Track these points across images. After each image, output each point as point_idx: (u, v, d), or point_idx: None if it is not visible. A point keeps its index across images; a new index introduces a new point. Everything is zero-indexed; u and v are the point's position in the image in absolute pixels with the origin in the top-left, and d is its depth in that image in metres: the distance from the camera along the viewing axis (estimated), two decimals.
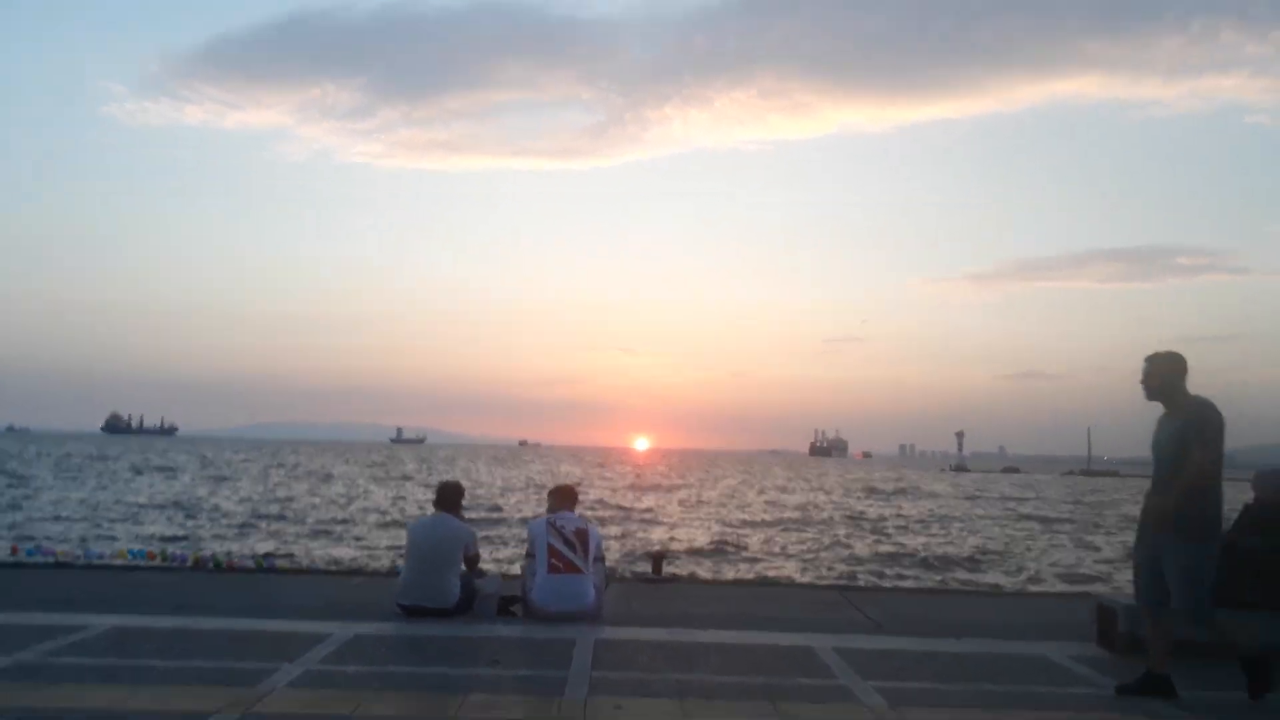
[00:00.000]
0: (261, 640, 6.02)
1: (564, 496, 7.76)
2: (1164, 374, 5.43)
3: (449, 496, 7.57)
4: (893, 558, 22.97)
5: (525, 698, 4.91)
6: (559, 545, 7.17)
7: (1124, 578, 18.15)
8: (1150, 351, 5.48)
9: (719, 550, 22.87)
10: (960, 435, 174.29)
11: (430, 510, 7.62)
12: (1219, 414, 5.29)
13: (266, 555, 16.47)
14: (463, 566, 7.28)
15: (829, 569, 20.51)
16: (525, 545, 7.53)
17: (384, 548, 21.03)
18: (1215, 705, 5.25)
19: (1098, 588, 17.82)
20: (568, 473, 71.12)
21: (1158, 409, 5.53)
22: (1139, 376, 5.52)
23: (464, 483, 8.20)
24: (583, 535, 7.27)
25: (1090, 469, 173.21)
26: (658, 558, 10.88)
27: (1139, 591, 5.60)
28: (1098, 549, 27.70)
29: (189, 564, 15.28)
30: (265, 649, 5.79)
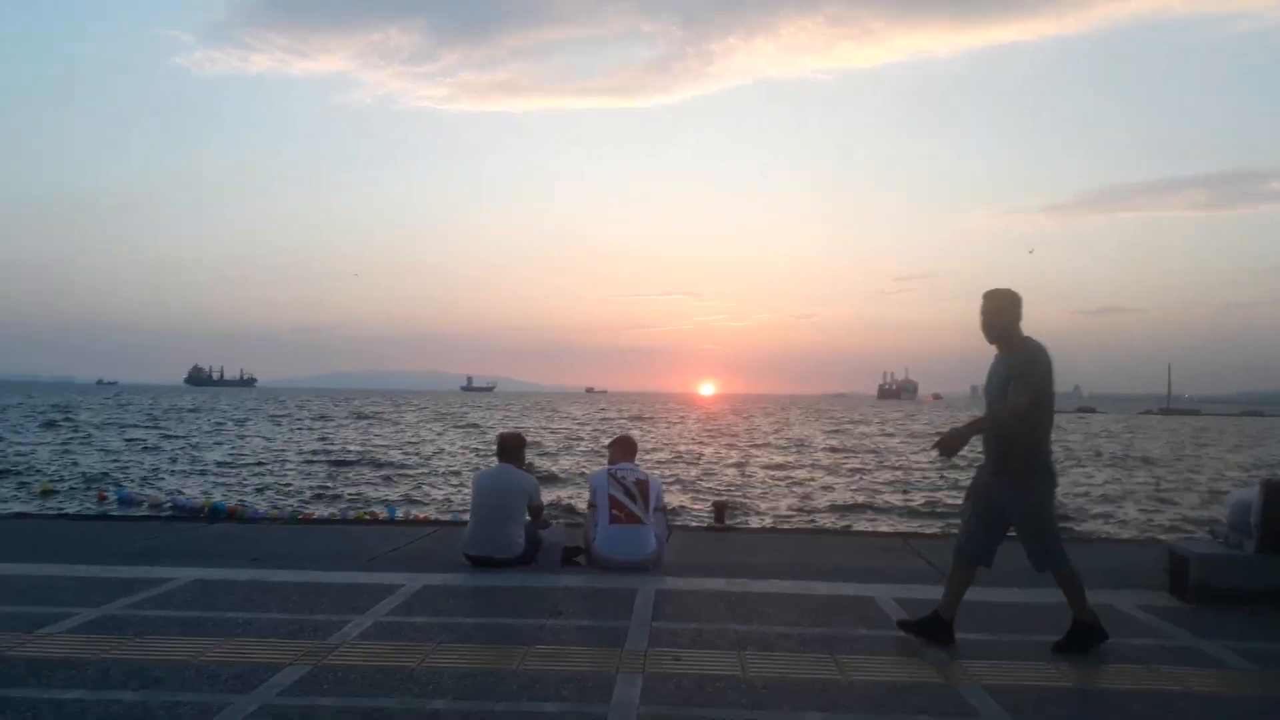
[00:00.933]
0: (333, 592, 6.22)
1: (624, 447, 7.84)
2: (1002, 313, 5.13)
3: (511, 448, 7.69)
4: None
5: (588, 648, 5.01)
6: (620, 496, 7.25)
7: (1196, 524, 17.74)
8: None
9: (781, 498, 22.90)
10: None
11: (494, 462, 7.75)
12: (1046, 356, 5.05)
13: (340, 507, 17.00)
14: (527, 517, 7.41)
15: (890, 512, 20.43)
16: (588, 496, 7.63)
17: (452, 498, 21.48)
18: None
19: (1172, 535, 17.47)
20: (633, 424, 71.72)
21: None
22: (981, 316, 5.20)
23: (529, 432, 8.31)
24: (643, 486, 7.34)
25: (1169, 407, 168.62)
26: (720, 507, 10.94)
27: (962, 538, 5.47)
28: (1172, 495, 27.09)
29: (267, 517, 15.88)
30: (337, 601, 5.99)
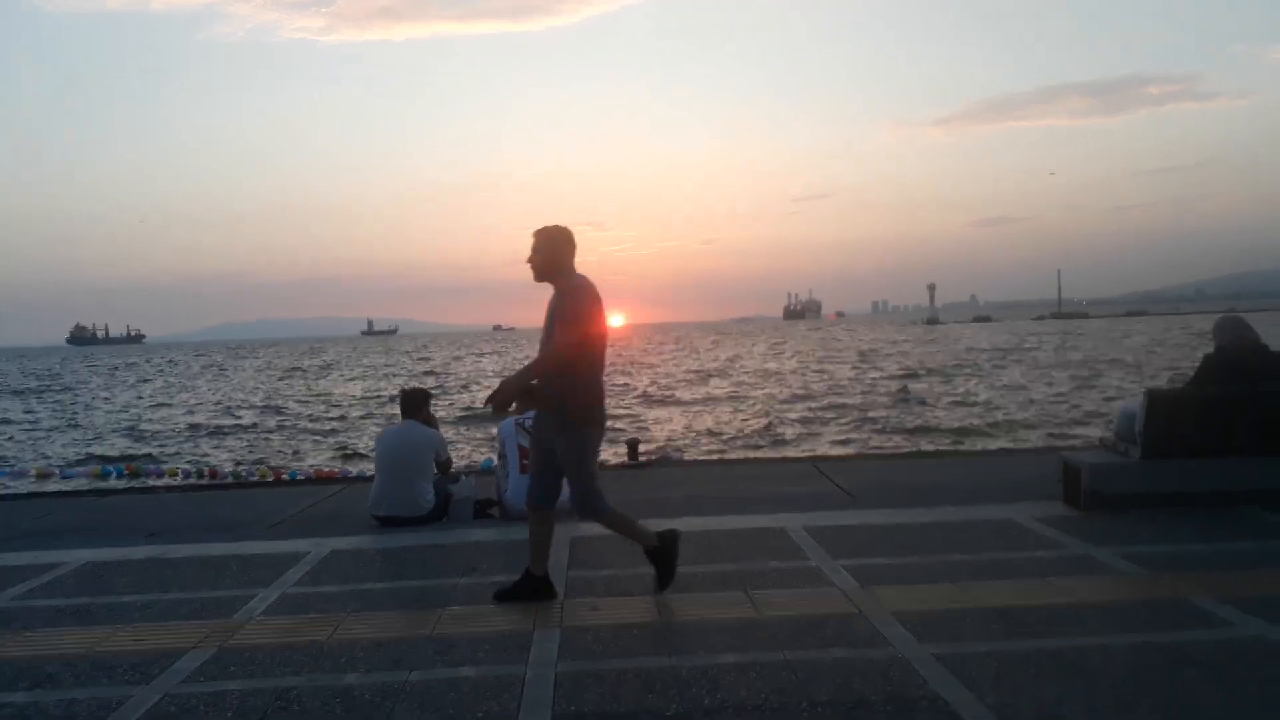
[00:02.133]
0: (236, 565, 6.02)
1: (530, 396, 7.72)
2: (547, 250, 4.93)
3: (414, 403, 7.52)
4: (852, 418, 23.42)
5: (502, 605, 4.96)
6: (529, 444, 7.16)
7: (1089, 431, 18.60)
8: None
9: (693, 432, 23.18)
10: (932, 288, 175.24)
11: (397, 419, 7.58)
12: (590, 294, 4.85)
13: (240, 466, 16.53)
14: (435, 472, 7.29)
15: (799, 437, 20.90)
16: (496, 447, 7.53)
17: (361, 450, 21.12)
18: (1176, 559, 5.38)
19: (1071, 438, 18.30)
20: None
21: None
22: (530, 254, 4.94)
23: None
24: None
25: (1061, 312, 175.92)
26: (633, 444, 10.97)
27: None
28: (1064, 398, 28.35)
29: (163, 477, 15.34)
30: (240, 574, 5.80)
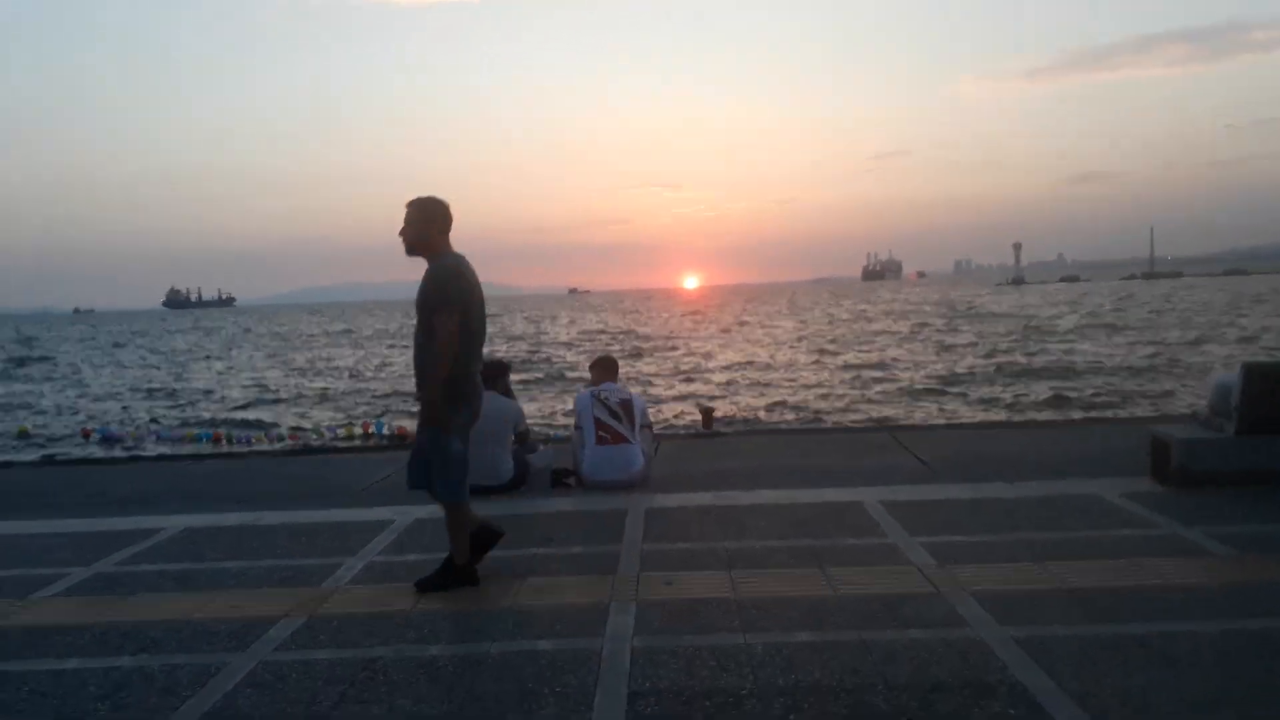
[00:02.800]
0: (324, 533, 6.23)
1: (606, 368, 7.81)
2: (419, 223, 4.76)
3: (494, 374, 7.63)
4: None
5: (580, 577, 5.05)
6: (605, 417, 7.25)
7: (1176, 403, 17.95)
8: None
9: (767, 397, 23.08)
10: (1017, 247, 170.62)
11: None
12: (457, 273, 4.71)
13: (325, 429, 17.03)
14: (514, 443, 7.41)
15: (875, 403, 20.66)
16: (573, 419, 7.63)
17: None
18: (1270, 540, 5.20)
19: (1153, 407, 17.71)
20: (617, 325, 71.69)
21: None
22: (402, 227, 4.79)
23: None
24: (627, 405, 7.34)
25: (1153, 271, 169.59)
26: (706, 412, 10.99)
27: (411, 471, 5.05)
28: (1156, 367, 27.44)
29: (251, 444, 15.92)
30: (328, 542, 6.00)
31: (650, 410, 8.33)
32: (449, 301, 4.65)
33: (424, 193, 4.89)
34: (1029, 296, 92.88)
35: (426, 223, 4.79)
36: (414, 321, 4.92)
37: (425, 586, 4.93)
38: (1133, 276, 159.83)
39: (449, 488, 4.96)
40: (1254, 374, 6.33)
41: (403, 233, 4.81)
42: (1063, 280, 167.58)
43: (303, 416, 22.00)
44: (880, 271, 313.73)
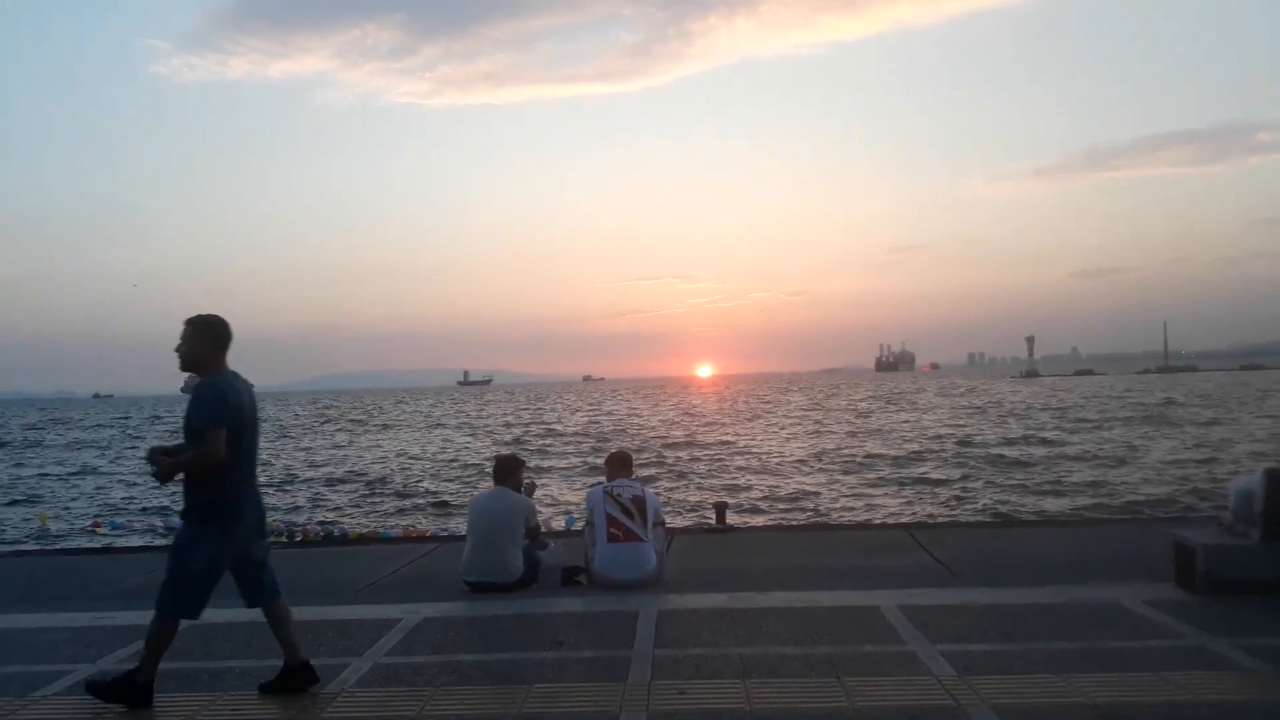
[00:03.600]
0: (330, 631, 6.13)
1: (620, 464, 7.76)
2: (193, 341, 4.77)
3: (507, 470, 7.60)
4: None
5: (590, 684, 4.92)
6: (617, 514, 7.18)
7: (1204, 501, 17.67)
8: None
9: (781, 491, 22.87)
10: (1030, 340, 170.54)
11: (490, 483, 7.67)
12: (215, 392, 4.65)
13: (332, 523, 16.87)
14: (525, 540, 7.33)
15: (893, 500, 20.42)
16: (584, 515, 7.56)
17: (453, 504, 21.44)
18: None
19: (1176, 506, 17.42)
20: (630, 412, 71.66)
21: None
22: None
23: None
24: (640, 502, 7.26)
25: (1168, 365, 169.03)
26: (720, 507, 10.86)
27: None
28: (1177, 462, 27.09)
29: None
30: (334, 641, 5.90)
31: (663, 506, 8.24)
32: (214, 421, 4.62)
33: (212, 308, 4.93)
34: (1066, 387, 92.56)
35: (202, 342, 4.80)
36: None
37: (97, 690, 4.75)
38: (1147, 371, 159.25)
39: (173, 601, 4.79)
40: (1277, 480, 6.23)
41: (178, 349, 4.82)
42: (1077, 374, 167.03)
43: (308, 507, 21.89)
44: (893, 363, 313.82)
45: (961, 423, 44.51)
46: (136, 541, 15.96)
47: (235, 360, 4.93)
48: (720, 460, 30.14)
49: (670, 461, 30.13)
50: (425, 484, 25.81)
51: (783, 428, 45.92)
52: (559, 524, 14.03)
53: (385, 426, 59.23)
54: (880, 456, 29.54)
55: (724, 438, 39.82)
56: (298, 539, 14.68)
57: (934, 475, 24.06)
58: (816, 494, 21.43)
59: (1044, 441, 33.03)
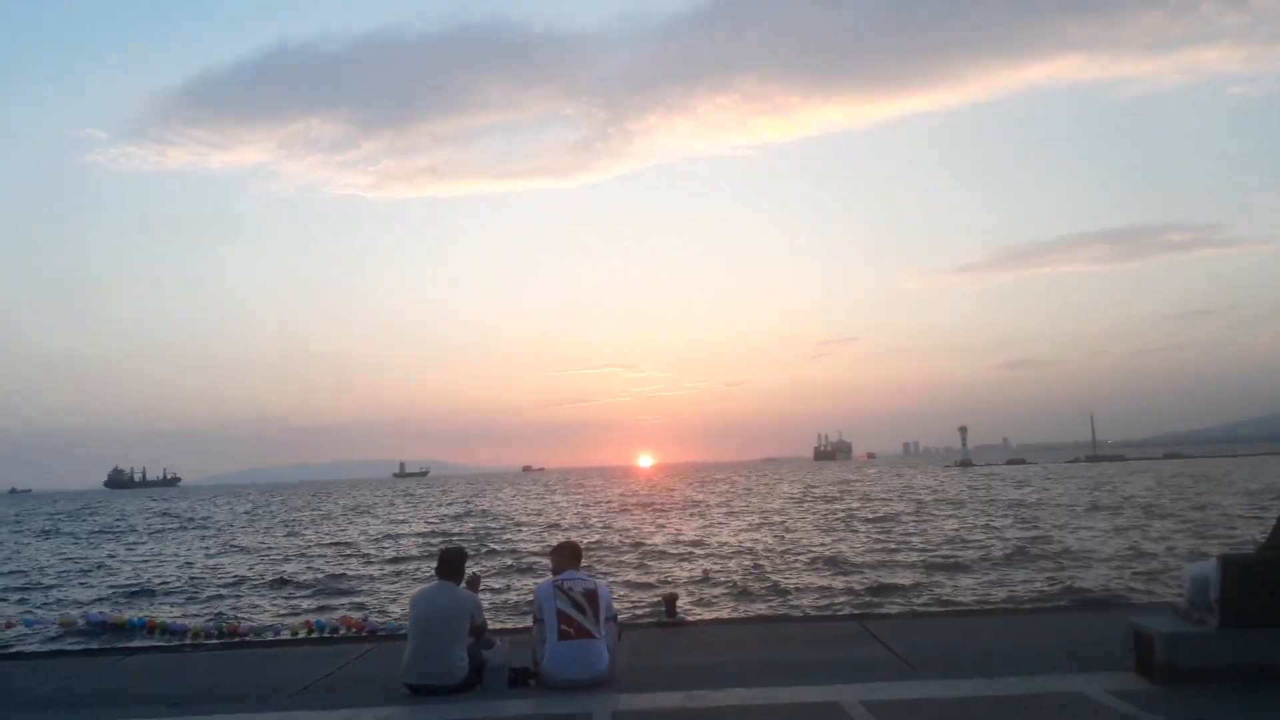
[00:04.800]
0: None
1: (568, 555, 7.48)
2: None
3: (451, 564, 7.29)
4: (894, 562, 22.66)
5: None
6: (568, 609, 6.89)
7: (1156, 586, 17.80)
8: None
9: (732, 582, 22.54)
10: (963, 430, 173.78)
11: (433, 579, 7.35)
12: None
13: (266, 627, 16.12)
14: (470, 638, 7.00)
15: (844, 588, 20.22)
16: (532, 611, 7.25)
17: (391, 603, 20.67)
18: None
19: (1132, 591, 17.49)
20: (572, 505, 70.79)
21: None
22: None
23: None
24: (592, 596, 6.99)
25: (1095, 454, 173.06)
26: (669, 600, 10.59)
27: None
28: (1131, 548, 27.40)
29: (188, 636, 14.98)
30: None
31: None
32: None
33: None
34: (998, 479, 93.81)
35: None
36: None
37: None
38: (1076, 460, 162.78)
39: None
40: (1232, 566, 6.24)
41: None
42: (1009, 463, 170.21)
43: (235, 606, 20.91)
44: (831, 452, 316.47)
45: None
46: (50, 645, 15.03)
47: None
48: (666, 551, 29.68)
49: (619, 551, 29.59)
50: (362, 576, 24.91)
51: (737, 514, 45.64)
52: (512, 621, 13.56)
53: (321, 519, 57.54)
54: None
55: (675, 530, 39.36)
56: (225, 635, 13.96)
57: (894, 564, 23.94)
58: (770, 581, 21.13)
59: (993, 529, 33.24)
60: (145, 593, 24.20)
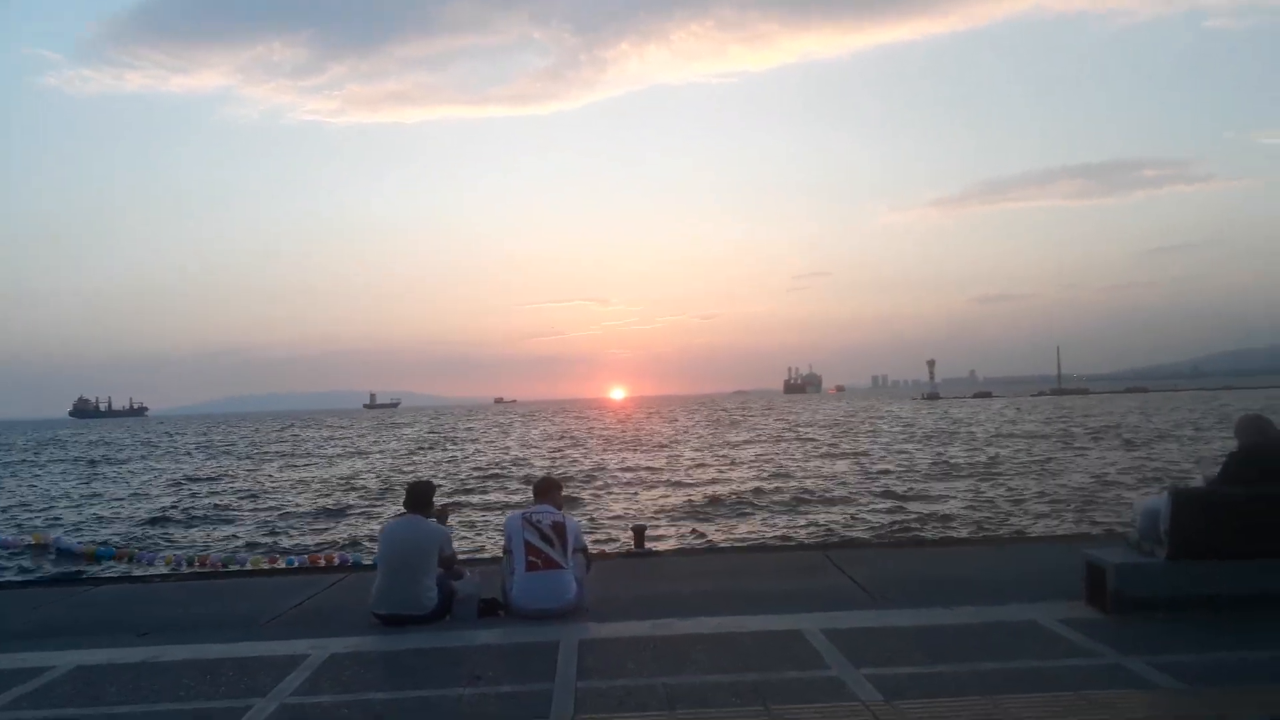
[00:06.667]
0: (232, 669, 5.77)
1: (544, 489, 7.53)
2: None
3: (419, 497, 7.32)
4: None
5: None
6: (536, 541, 6.97)
7: (1102, 515, 18.27)
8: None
9: (699, 512, 22.85)
10: (931, 364, 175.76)
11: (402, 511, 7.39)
12: None
13: (235, 552, 16.20)
14: (439, 569, 7.07)
15: (809, 520, 20.59)
16: (502, 543, 7.32)
17: (361, 536, 20.83)
18: (1214, 670, 5.15)
19: (1082, 523, 17.96)
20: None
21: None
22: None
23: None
24: (560, 528, 7.06)
25: (1061, 388, 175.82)
26: (638, 532, 10.74)
27: None
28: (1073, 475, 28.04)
29: (160, 564, 15.03)
30: (236, 680, 5.55)
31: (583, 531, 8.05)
32: None
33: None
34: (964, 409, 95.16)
35: None
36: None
37: None
38: (1042, 393, 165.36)
39: None
40: (1182, 500, 6.41)
41: None
42: (976, 396, 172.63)
43: (206, 537, 20.98)
44: (801, 385, 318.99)
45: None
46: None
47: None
48: (638, 481, 30.02)
49: (592, 483, 29.89)
50: (329, 510, 25.02)
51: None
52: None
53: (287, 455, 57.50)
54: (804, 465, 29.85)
55: (643, 460, 39.74)
56: (195, 566, 14.04)
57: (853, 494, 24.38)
58: (737, 514, 21.48)
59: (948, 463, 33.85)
60: (114, 521, 24.19)
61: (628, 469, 35.39)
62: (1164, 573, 6.42)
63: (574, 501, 23.69)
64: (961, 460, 34.36)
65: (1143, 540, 6.78)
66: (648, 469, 35.19)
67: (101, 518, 25.24)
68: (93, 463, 51.23)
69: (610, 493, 27.46)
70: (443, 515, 7.58)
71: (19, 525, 23.01)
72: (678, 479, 30.84)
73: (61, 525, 23.34)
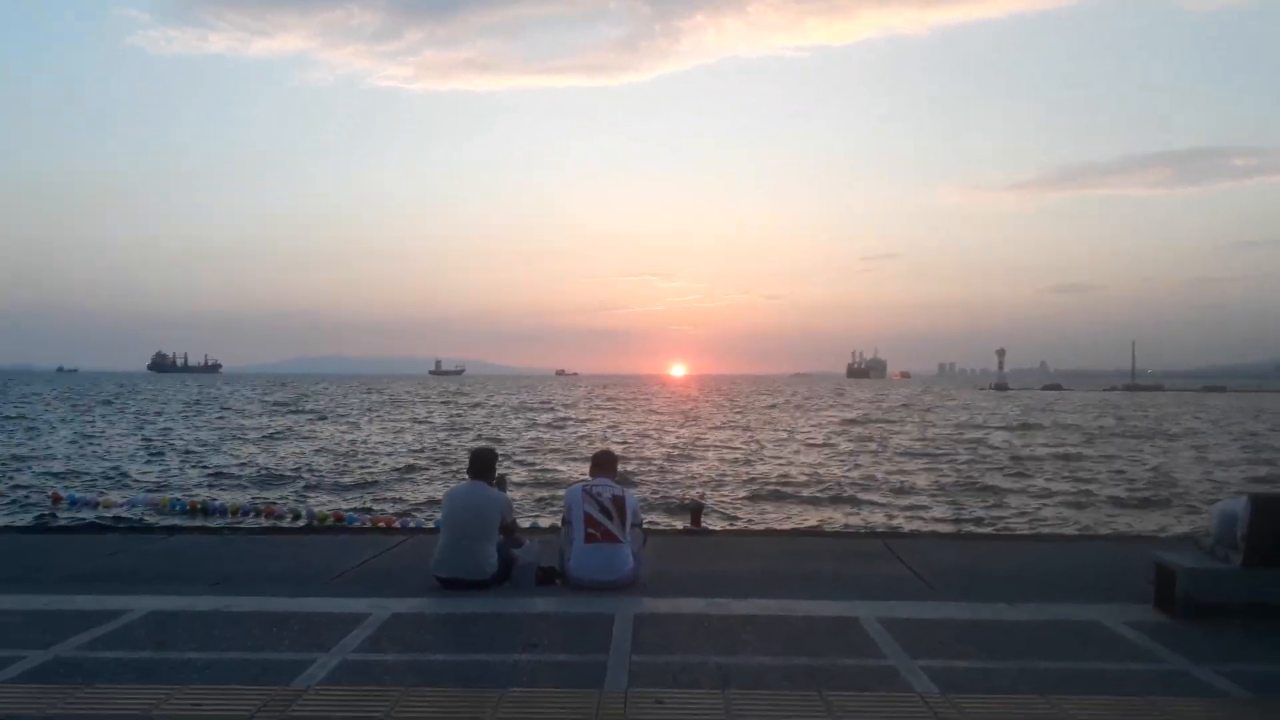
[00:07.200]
0: (297, 624, 5.94)
1: (603, 463, 7.60)
2: None
3: (483, 464, 7.44)
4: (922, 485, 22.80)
5: (565, 690, 4.78)
6: (595, 514, 7.03)
7: (1172, 518, 17.77)
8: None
9: (759, 494, 22.79)
10: (1001, 353, 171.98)
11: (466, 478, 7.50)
12: None
13: (304, 511, 16.60)
14: (500, 535, 7.18)
15: (869, 506, 20.42)
16: (561, 514, 7.40)
17: (422, 500, 21.20)
18: (1274, 679, 5.01)
19: (1153, 520, 17.51)
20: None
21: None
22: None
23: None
24: (619, 503, 7.12)
25: (1134, 384, 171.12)
26: (696, 510, 10.76)
27: None
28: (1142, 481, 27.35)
29: (226, 515, 15.49)
30: (301, 635, 5.71)
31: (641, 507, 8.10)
32: None
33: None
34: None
35: None
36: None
37: None
38: (1113, 388, 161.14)
39: None
40: (1262, 506, 6.20)
41: None
42: (1046, 388, 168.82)
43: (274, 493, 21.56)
44: (865, 370, 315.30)
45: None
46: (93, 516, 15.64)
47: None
48: (695, 460, 30.06)
49: (650, 461, 30.03)
50: (394, 474, 25.53)
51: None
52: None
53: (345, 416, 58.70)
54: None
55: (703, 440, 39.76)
56: (262, 518, 14.39)
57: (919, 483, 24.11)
58: (797, 494, 21.41)
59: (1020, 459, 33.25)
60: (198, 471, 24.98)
61: (698, 445, 35.45)
62: (1238, 579, 6.24)
63: (628, 477, 23.80)
64: (1031, 454, 33.71)
65: (1217, 545, 6.59)
66: (717, 446, 35.21)
67: (185, 472, 26.10)
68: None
69: (670, 469, 27.54)
70: (502, 483, 7.68)
71: (96, 480, 23.84)
72: (740, 457, 30.80)
73: (175, 480, 24.19)
